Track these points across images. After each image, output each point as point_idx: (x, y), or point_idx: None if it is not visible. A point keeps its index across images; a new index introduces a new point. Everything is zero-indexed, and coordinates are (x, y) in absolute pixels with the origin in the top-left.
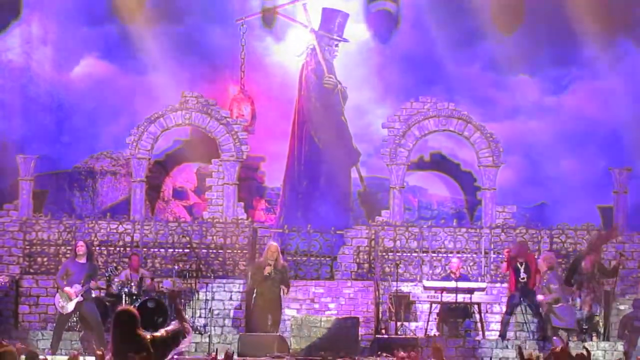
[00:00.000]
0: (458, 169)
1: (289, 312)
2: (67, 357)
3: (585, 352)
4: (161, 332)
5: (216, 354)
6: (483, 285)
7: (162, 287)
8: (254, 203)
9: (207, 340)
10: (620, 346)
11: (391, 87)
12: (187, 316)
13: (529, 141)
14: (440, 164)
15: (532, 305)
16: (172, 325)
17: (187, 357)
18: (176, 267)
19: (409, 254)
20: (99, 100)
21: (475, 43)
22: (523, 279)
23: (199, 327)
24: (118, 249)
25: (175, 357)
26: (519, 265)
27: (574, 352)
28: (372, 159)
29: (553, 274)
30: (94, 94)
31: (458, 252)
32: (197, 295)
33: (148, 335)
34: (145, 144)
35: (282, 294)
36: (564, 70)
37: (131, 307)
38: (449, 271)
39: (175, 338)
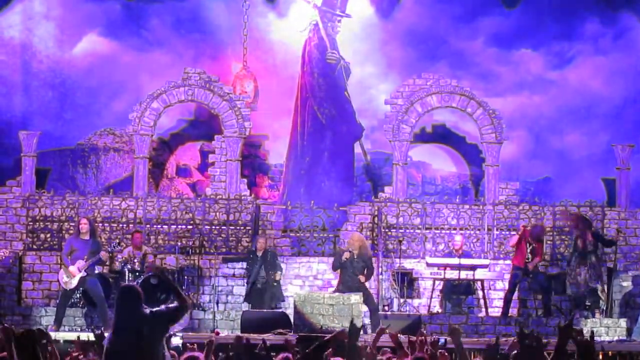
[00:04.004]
0: (463, 142)
1: (291, 289)
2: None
3: (589, 335)
4: (161, 308)
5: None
6: (486, 262)
7: (165, 263)
8: (258, 180)
9: (210, 317)
10: (623, 323)
11: (394, 62)
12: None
13: (533, 115)
14: (444, 136)
15: (536, 282)
16: (173, 303)
17: (190, 334)
18: (179, 243)
19: (412, 231)
20: (102, 77)
21: (478, 17)
22: (527, 259)
23: (202, 304)
24: (121, 225)
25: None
26: (527, 245)
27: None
28: (375, 133)
29: None
30: (96, 71)
31: (461, 229)
32: (200, 272)
33: (148, 311)
34: (147, 120)
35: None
36: (567, 45)
37: (135, 285)
38: (452, 248)
39: (175, 315)
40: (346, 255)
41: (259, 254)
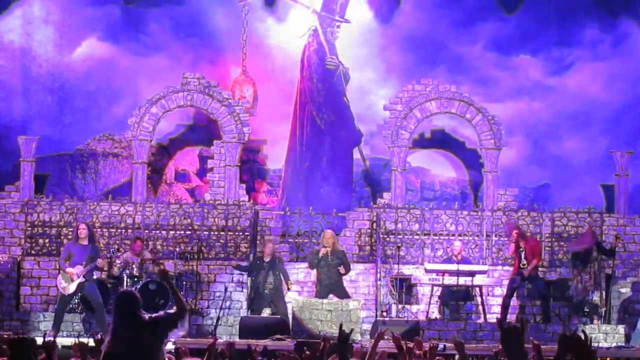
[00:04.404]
0: (462, 147)
1: (290, 295)
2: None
3: (582, 336)
4: (160, 314)
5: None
6: (485, 268)
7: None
8: (256, 185)
9: (208, 322)
10: (621, 329)
11: (393, 68)
12: (182, 295)
13: (532, 121)
14: (443, 141)
15: (535, 289)
16: (172, 309)
17: (188, 339)
18: (177, 249)
19: (410, 237)
20: (101, 82)
21: (477, 22)
22: (524, 265)
23: (200, 309)
24: (120, 230)
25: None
26: (520, 251)
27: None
28: (374, 139)
29: None
30: (95, 75)
31: (460, 235)
32: (198, 277)
33: (147, 317)
34: (147, 125)
35: (341, 278)
36: (566, 50)
37: (133, 290)
38: (450, 254)
39: (174, 320)
40: (323, 250)
41: (267, 259)
